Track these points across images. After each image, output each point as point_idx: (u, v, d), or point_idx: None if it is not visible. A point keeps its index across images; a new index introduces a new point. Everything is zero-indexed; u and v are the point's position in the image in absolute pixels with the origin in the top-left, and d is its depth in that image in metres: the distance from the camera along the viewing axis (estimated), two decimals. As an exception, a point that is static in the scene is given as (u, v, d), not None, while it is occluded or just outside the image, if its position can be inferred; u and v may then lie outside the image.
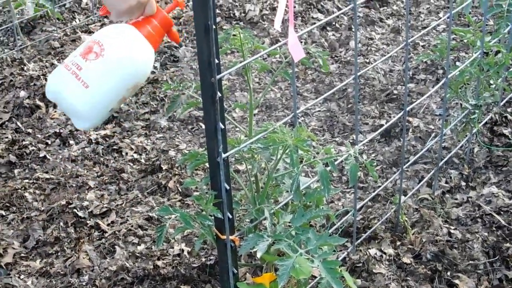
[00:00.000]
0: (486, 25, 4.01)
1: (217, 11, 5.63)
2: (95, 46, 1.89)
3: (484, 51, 3.31)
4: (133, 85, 1.95)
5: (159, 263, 2.97)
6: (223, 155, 2.05)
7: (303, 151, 2.21)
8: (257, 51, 2.33)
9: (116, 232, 3.22)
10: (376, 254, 2.87)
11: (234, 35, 2.38)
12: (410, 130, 3.90)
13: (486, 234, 2.95)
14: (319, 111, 4.32)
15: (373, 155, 3.72)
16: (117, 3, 1.87)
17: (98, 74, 1.87)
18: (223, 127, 2.01)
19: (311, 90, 4.58)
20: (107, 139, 4.09)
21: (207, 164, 2.16)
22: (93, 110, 1.91)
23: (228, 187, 2.13)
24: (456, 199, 3.25)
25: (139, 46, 1.95)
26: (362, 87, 4.52)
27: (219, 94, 1.95)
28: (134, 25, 1.96)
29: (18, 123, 4.23)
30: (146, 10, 1.94)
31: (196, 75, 4.78)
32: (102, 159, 3.88)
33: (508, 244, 2.86)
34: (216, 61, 1.89)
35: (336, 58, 5.03)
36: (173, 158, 3.78)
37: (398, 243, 2.95)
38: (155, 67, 4.99)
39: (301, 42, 5.06)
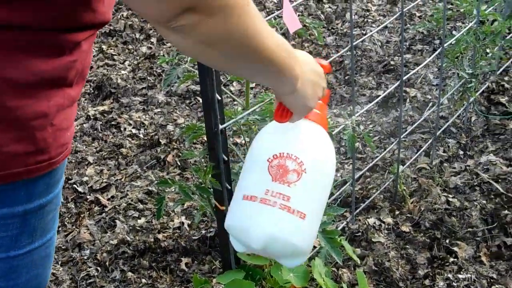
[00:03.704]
0: (483, -6, 4.00)
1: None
2: (288, 163, 1.41)
3: (480, 19, 3.31)
4: (331, 186, 1.55)
5: (160, 236, 2.98)
6: (220, 126, 2.06)
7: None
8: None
9: (116, 206, 3.24)
10: (375, 223, 2.89)
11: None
12: (408, 100, 3.90)
13: (484, 201, 2.97)
14: (316, 83, 4.31)
15: (371, 125, 3.73)
16: (308, 101, 1.39)
17: (309, 196, 1.43)
18: (219, 98, 2.02)
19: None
20: (105, 114, 4.09)
21: (205, 137, 2.17)
22: (311, 239, 1.47)
23: (226, 158, 2.15)
24: (454, 167, 3.26)
25: (324, 139, 1.50)
26: (359, 58, 4.51)
27: (215, 65, 1.95)
28: None
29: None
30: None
31: (193, 50, 4.76)
32: (100, 134, 3.89)
33: (506, 211, 2.88)
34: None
35: (332, 30, 5.02)
36: (171, 133, 3.79)
37: (397, 212, 2.96)
38: (151, 43, 4.99)
39: (298, 14, 5.05)
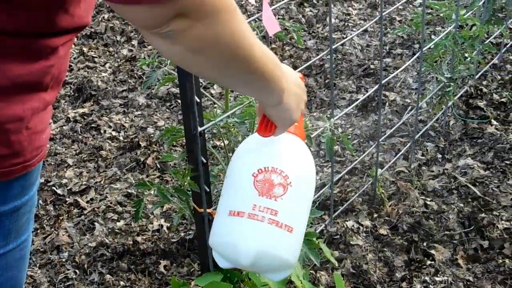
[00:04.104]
0: (462, -1, 4.04)
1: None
2: (274, 177, 1.42)
3: (459, 24, 3.34)
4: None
5: (139, 238, 2.98)
6: (199, 129, 2.06)
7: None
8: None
9: (95, 209, 3.23)
10: (353, 226, 2.90)
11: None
12: (387, 104, 3.93)
13: (461, 205, 2.99)
14: (296, 86, 4.32)
15: (350, 129, 3.75)
16: (293, 114, 1.41)
17: (295, 209, 1.44)
18: (198, 100, 2.02)
19: (288, 66, 4.59)
20: (85, 117, 4.08)
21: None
22: (298, 252, 1.48)
23: (204, 161, 2.15)
24: (432, 171, 3.28)
25: (305, 151, 1.52)
26: (339, 62, 4.53)
27: (194, 67, 1.96)
28: None
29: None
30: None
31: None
32: (80, 137, 3.88)
33: (483, 215, 2.90)
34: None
35: (313, 34, 5.03)
36: (152, 135, 3.79)
37: (375, 215, 2.98)
38: (132, 45, 4.99)
39: (279, 18, 5.06)
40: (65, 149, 3.77)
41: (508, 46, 4.34)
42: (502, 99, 3.79)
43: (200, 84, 2.08)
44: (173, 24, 1.01)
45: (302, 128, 1.55)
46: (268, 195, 1.40)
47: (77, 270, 2.86)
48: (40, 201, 3.30)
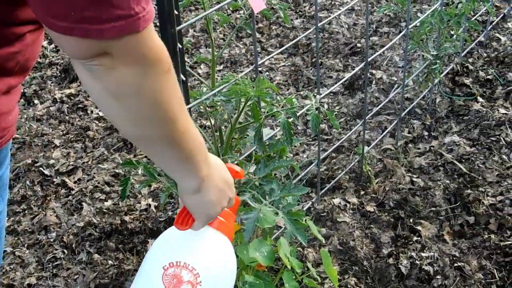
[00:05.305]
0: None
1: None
2: (184, 273, 1.33)
3: (445, 1, 3.34)
4: None
5: (126, 218, 2.99)
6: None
7: (265, 102, 2.23)
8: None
9: (83, 189, 3.23)
10: (340, 203, 2.92)
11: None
12: (374, 82, 3.93)
13: (447, 181, 3.01)
14: (284, 65, 4.33)
15: (337, 107, 3.75)
16: (211, 208, 1.33)
17: None
18: (184, 78, 2.02)
19: (275, 45, 4.59)
20: (72, 97, 4.07)
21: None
22: None
23: (191, 139, 2.14)
24: (419, 148, 3.30)
25: (225, 251, 1.43)
26: (326, 41, 4.53)
27: (179, 45, 1.95)
28: None
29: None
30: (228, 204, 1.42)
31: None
32: (67, 117, 3.87)
33: (469, 191, 2.92)
34: (176, 12, 1.89)
35: (300, 13, 5.03)
36: (139, 115, 3.79)
37: (362, 192, 3.00)
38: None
39: (265, -3, 5.05)
40: (52, 130, 3.76)
41: (494, 23, 4.35)
42: (488, 77, 3.80)
43: (187, 63, 2.08)
44: (99, 60, 0.99)
45: (230, 226, 1.46)
46: None
47: (65, 250, 2.87)
48: (28, 182, 3.30)
